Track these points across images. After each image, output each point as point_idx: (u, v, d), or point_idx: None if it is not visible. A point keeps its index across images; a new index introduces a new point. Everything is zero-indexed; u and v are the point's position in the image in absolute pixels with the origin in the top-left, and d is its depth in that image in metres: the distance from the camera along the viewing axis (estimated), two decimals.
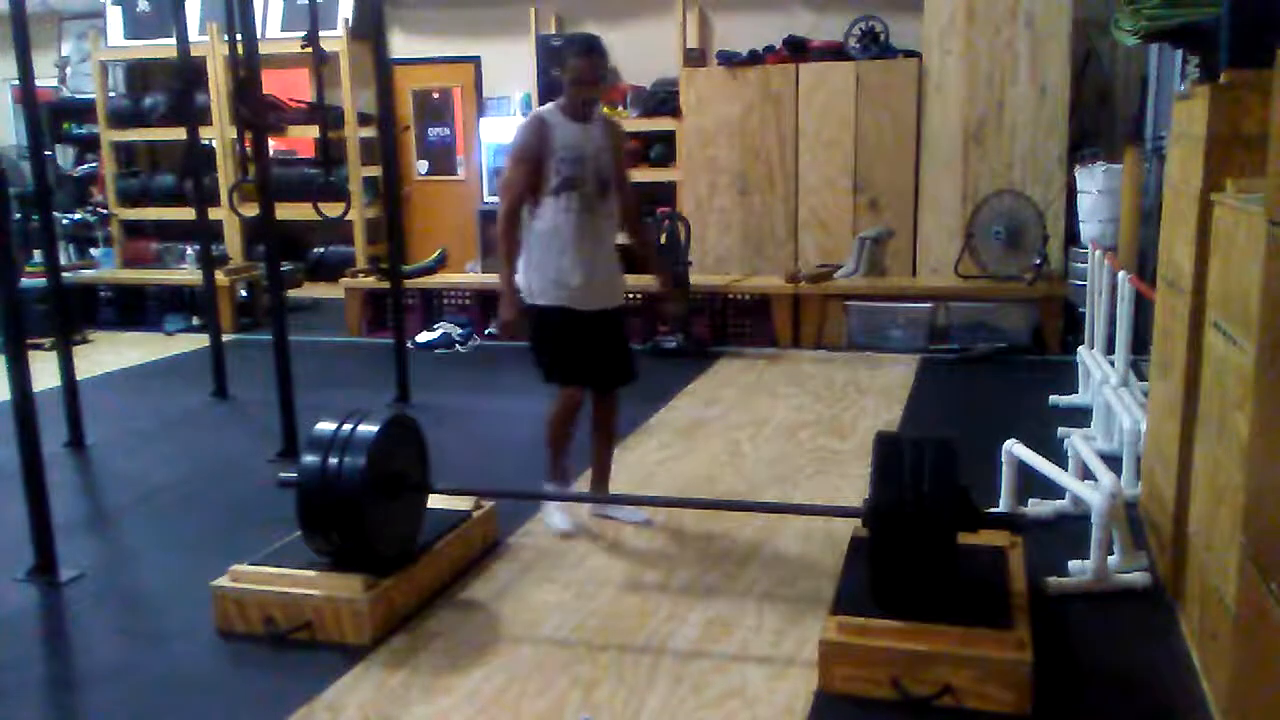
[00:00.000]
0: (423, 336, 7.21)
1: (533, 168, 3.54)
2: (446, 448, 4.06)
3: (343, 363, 6.97)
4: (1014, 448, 3.76)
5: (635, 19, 8.49)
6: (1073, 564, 3.33)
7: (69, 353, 5.09)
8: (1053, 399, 5.35)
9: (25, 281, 5.32)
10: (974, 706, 2.60)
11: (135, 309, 8.35)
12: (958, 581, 2.76)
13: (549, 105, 3.64)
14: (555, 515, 3.83)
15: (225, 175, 8.92)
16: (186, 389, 6.15)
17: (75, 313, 7.23)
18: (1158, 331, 3.63)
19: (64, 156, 10.13)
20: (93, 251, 9.26)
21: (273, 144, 7.75)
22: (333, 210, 5.78)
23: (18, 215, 7.31)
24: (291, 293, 8.33)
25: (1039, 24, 6.94)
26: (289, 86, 8.76)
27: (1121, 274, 4.54)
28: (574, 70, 3.49)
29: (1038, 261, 6.71)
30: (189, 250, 8.42)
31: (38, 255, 7.12)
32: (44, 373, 4.56)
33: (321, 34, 5.31)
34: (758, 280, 7.28)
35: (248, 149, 5.44)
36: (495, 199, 8.58)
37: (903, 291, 6.95)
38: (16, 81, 4.81)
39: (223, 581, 3.16)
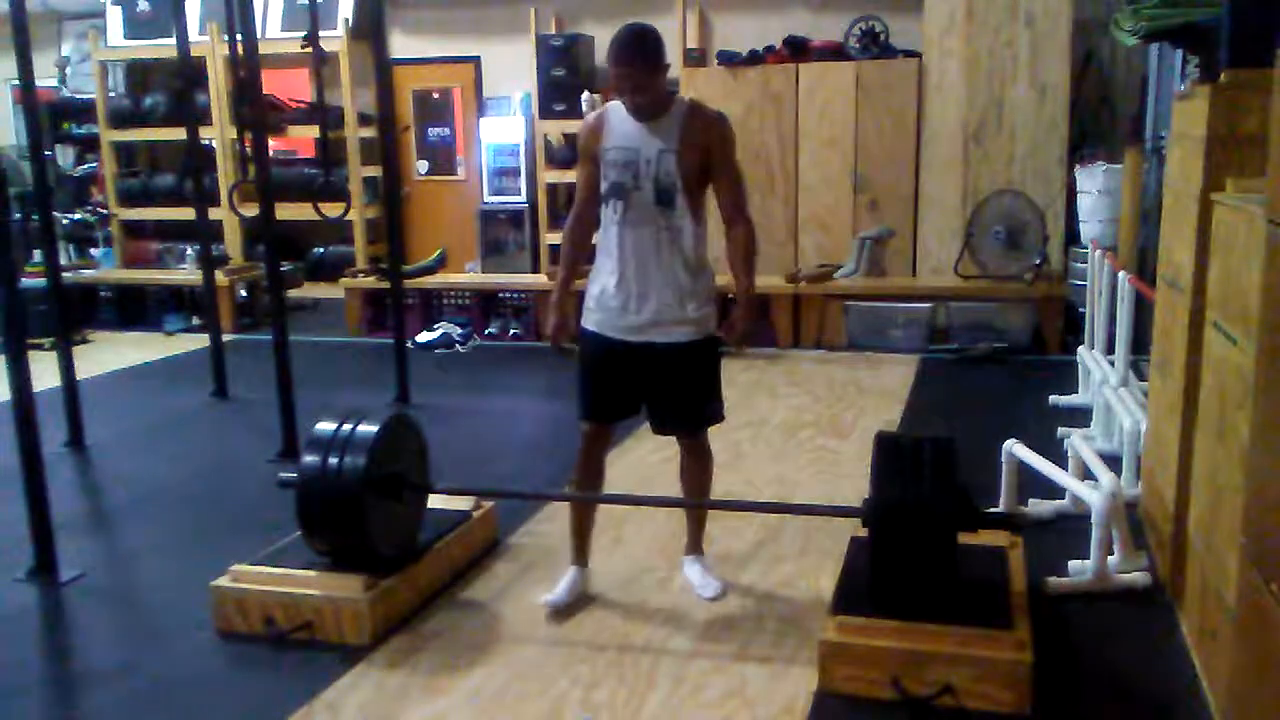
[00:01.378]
0: (423, 336, 7.21)
1: (592, 169, 3.13)
2: (446, 448, 4.07)
3: (343, 363, 6.97)
4: (1014, 448, 3.76)
5: (635, 19, 8.46)
6: (1073, 564, 3.33)
7: (69, 353, 5.10)
8: (1053, 399, 5.35)
9: (25, 281, 5.31)
10: (974, 706, 2.60)
11: (135, 309, 8.35)
12: (958, 581, 2.76)
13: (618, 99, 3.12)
14: (553, 589, 3.31)
15: (225, 175, 8.91)
16: (186, 389, 6.15)
17: (75, 313, 7.23)
18: (1158, 331, 3.63)
19: (64, 156, 10.12)
20: (93, 251, 9.25)
21: (273, 144, 7.75)
22: (333, 210, 5.78)
23: (18, 215, 7.30)
24: (291, 293, 8.32)
25: (1039, 24, 6.93)
26: (289, 86, 8.76)
27: (1121, 274, 4.54)
28: (611, 79, 3.04)
29: (1038, 261, 6.71)
30: (189, 250, 8.42)
31: (38, 255, 7.13)
32: (44, 373, 4.55)
33: (321, 34, 5.31)
34: (758, 280, 7.25)
35: (248, 149, 5.44)
36: (495, 198, 8.61)
37: (903, 291, 6.94)
38: (16, 81, 4.80)
39: (223, 581, 3.17)
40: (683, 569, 3.44)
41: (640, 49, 2.99)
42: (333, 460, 3.05)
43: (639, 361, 3.13)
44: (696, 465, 3.33)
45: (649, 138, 3.03)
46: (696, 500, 3.37)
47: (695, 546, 3.43)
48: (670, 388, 3.18)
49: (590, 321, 3.19)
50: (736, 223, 3.17)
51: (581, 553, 3.36)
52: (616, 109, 3.12)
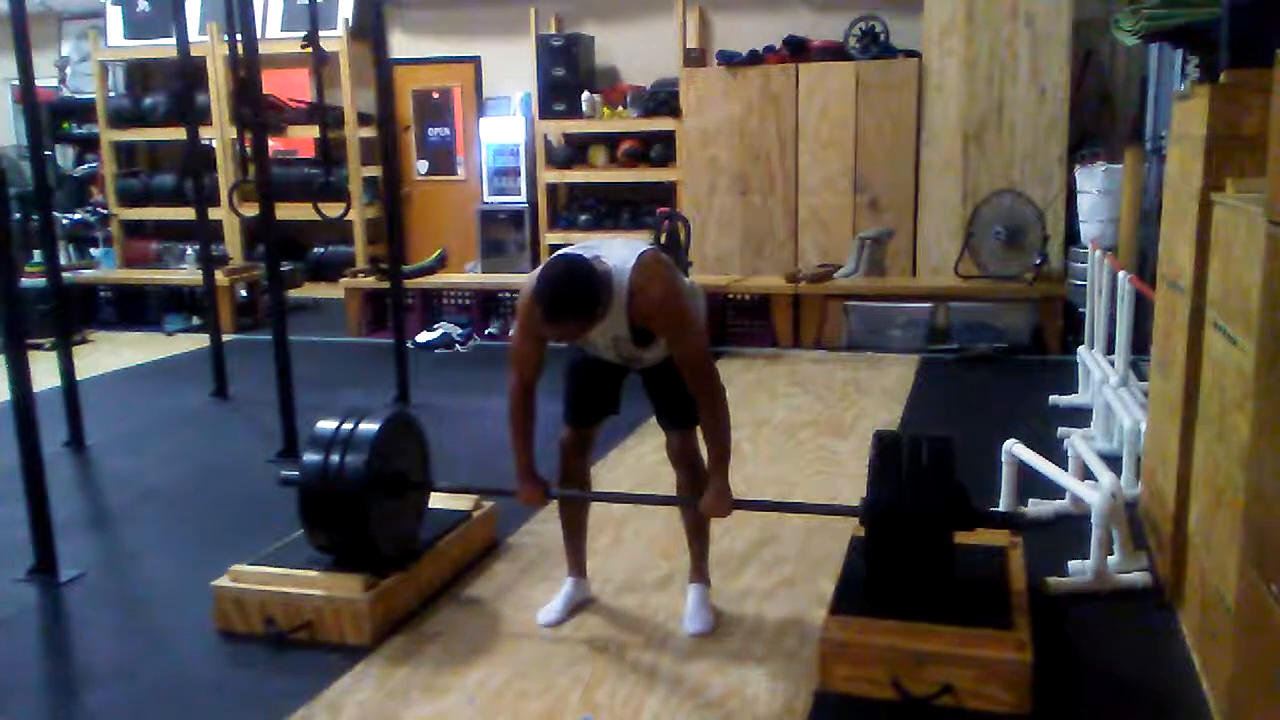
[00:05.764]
0: (423, 336, 7.21)
1: (538, 347, 2.91)
2: (447, 448, 4.07)
3: (343, 363, 6.97)
4: (1014, 448, 3.76)
5: (635, 19, 8.49)
6: (1073, 564, 3.33)
7: (69, 353, 5.09)
8: (1053, 399, 5.35)
9: (25, 281, 5.31)
10: (974, 706, 2.60)
11: (135, 309, 8.35)
12: (955, 581, 2.76)
13: None
14: (548, 605, 3.22)
15: (225, 175, 8.92)
16: (186, 389, 6.15)
17: (75, 313, 7.23)
18: (1158, 331, 3.63)
19: (64, 156, 10.12)
20: (93, 251, 9.26)
21: (273, 144, 7.75)
22: (333, 210, 5.78)
23: (18, 215, 7.30)
24: (291, 293, 8.33)
25: (1039, 24, 6.94)
26: (289, 86, 8.76)
27: (1121, 274, 4.54)
28: (545, 330, 2.79)
29: (1038, 261, 6.71)
30: (189, 250, 8.42)
31: (38, 255, 7.13)
32: (44, 373, 4.55)
33: (321, 34, 5.31)
34: (758, 280, 7.28)
35: (248, 149, 5.44)
36: (495, 198, 8.61)
37: (903, 291, 6.95)
38: (16, 81, 4.80)
39: (223, 581, 3.16)
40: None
41: (576, 308, 2.68)
42: (334, 459, 3.05)
43: (623, 368, 3.07)
44: (688, 482, 3.14)
45: (599, 330, 2.83)
46: (695, 530, 3.20)
47: (696, 573, 3.20)
48: (657, 385, 3.07)
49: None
50: (697, 398, 2.94)
51: (576, 564, 3.29)
52: None
